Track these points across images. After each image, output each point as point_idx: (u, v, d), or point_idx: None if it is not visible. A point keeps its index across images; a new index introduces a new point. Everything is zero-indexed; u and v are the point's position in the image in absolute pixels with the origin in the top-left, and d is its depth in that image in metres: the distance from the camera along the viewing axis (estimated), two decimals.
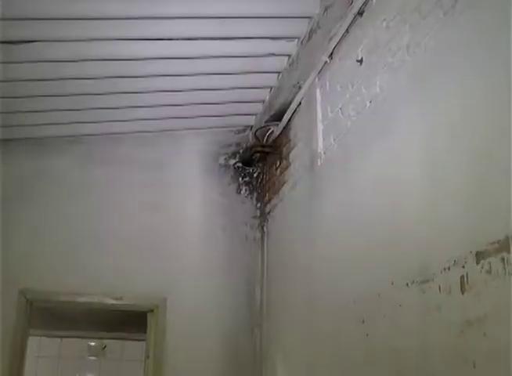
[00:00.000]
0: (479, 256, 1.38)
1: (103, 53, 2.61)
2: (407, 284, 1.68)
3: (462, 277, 1.42)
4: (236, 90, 3.18)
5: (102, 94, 3.00)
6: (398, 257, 1.76)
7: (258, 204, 3.56)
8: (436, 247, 1.56)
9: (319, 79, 2.69)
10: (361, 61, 2.20)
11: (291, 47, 2.77)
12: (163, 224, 3.32)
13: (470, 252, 1.41)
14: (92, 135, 3.43)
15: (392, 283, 1.77)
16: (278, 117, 3.22)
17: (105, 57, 2.66)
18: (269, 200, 3.40)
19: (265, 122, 3.33)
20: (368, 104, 2.11)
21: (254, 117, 3.57)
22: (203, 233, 3.41)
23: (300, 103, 2.95)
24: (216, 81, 3.03)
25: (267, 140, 3.42)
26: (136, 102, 3.14)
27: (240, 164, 3.63)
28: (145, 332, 3.25)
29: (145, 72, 2.85)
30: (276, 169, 3.32)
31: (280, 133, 3.27)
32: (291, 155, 3.06)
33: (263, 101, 3.36)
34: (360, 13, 2.22)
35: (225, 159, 3.62)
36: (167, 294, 3.22)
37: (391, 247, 1.81)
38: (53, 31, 2.40)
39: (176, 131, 3.57)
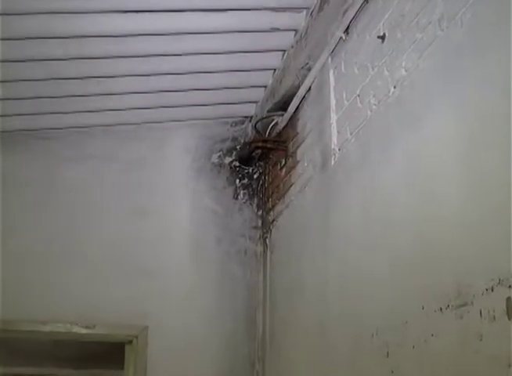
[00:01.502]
0: None
1: (69, 28, 2.61)
2: (441, 309, 1.67)
3: (508, 300, 1.41)
4: (231, 73, 3.20)
5: (69, 78, 3.01)
6: (429, 276, 1.76)
7: (260, 212, 3.58)
8: (477, 263, 1.55)
9: (332, 59, 2.70)
10: (383, 37, 2.20)
11: (298, 20, 2.78)
12: (144, 236, 3.34)
13: None
14: (58, 128, 3.45)
15: (423, 308, 1.76)
16: (283, 105, 3.23)
17: (72, 33, 2.66)
18: (273, 206, 3.40)
19: (268, 112, 3.34)
20: (392, 90, 2.11)
21: (254, 105, 3.59)
22: (192, 246, 3.42)
23: (309, 89, 2.95)
24: (208, 62, 3.04)
25: (270, 134, 3.43)
26: (112, 88, 3.15)
27: (238, 163, 3.65)
28: (122, 368, 3.25)
29: (121, 51, 2.85)
30: (281, 169, 3.32)
31: (286, 125, 3.27)
32: (299, 152, 3.06)
33: (265, 86, 3.37)
34: None
35: (220, 157, 3.64)
36: (149, 322, 3.22)
37: (420, 264, 1.80)
38: (8, 5, 2.41)
39: (160, 124, 3.59)
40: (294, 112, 3.15)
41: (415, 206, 1.87)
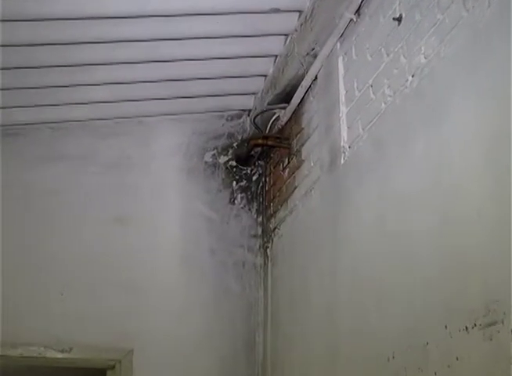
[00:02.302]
0: None
1: (39, 9, 2.58)
2: (466, 329, 1.67)
3: None
4: (227, 61, 3.19)
5: (38, 67, 3.00)
6: (453, 290, 1.75)
7: (259, 218, 3.58)
8: (508, 276, 1.54)
9: (341, 44, 2.70)
10: (399, 19, 2.20)
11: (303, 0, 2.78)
12: (128, 247, 3.34)
13: None
14: (30, 123, 3.44)
15: (446, 328, 1.75)
16: (285, 97, 3.23)
17: (42, 15, 2.64)
18: (274, 212, 3.40)
19: (268, 104, 3.34)
20: (410, 79, 2.11)
21: (253, 97, 3.59)
22: (183, 258, 3.42)
23: (315, 78, 2.95)
24: (200, 47, 3.04)
25: (270, 129, 3.43)
26: (90, 77, 3.14)
27: (234, 163, 3.65)
28: None
29: (100, 35, 2.84)
30: (284, 170, 3.32)
31: (289, 120, 3.27)
32: (304, 150, 3.06)
33: (265, 75, 3.38)
34: None
35: (214, 156, 3.64)
36: (134, 345, 3.22)
37: (443, 278, 1.80)
38: None
39: (146, 118, 3.60)
40: (298, 105, 3.15)
41: (437, 211, 1.86)
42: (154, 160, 3.55)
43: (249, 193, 3.62)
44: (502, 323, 1.54)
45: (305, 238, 2.93)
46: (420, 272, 1.91)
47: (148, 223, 3.41)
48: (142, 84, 3.27)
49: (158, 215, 3.45)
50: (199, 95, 3.48)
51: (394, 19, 2.21)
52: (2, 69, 2.93)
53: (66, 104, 3.35)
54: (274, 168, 3.50)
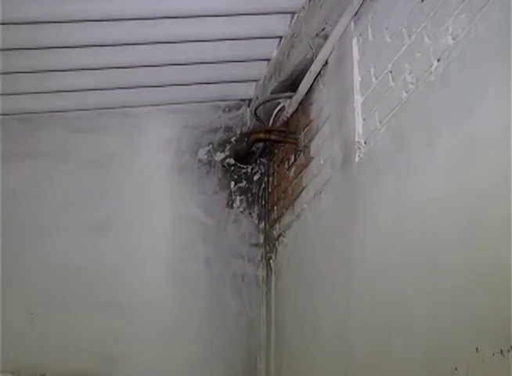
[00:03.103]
0: None
1: None
2: (501, 352, 1.66)
3: None
4: (224, 42, 3.19)
5: (4, 49, 2.97)
6: (485, 307, 1.74)
7: (261, 224, 3.58)
8: None
9: (356, 24, 2.70)
10: None
11: None
12: (110, 258, 3.35)
13: None
14: None
15: (477, 351, 1.75)
16: (291, 84, 3.23)
17: None
18: (279, 217, 3.40)
19: (271, 93, 3.34)
20: (435, 64, 2.11)
21: (254, 84, 3.59)
22: (173, 271, 3.42)
23: (326, 63, 2.96)
24: (193, 27, 3.04)
25: (274, 122, 3.43)
26: (65, 61, 3.15)
27: (232, 161, 3.65)
28: None
29: (77, 10, 2.83)
30: (290, 168, 3.32)
31: (295, 111, 3.27)
32: (313, 146, 3.06)
33: (267, 59, 3.38)
34: None
35: (209, 152, 3.65)
36: (115, 372, 3.21)
37: (473, 292, 1.79)
38: None
39: (131, 109, 3.60)
40: (306, 93, 3.15)
41: (465, 215, 1.86)
42: (140, 158, 3.55)
43: (249, 195, 3.62)
44: None
45: (314, 247, 2.92)
46: (446, 285, 1.91)
47: (132, 231, 3.41)
48: (126, 69, 3.27)
49: (144, 221, 3.45)
50: (192, 82, 3.48)
51: None
52: None
53: (37, 93, 3.35)
54: (278, 166, 3.50)
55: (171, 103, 3.62)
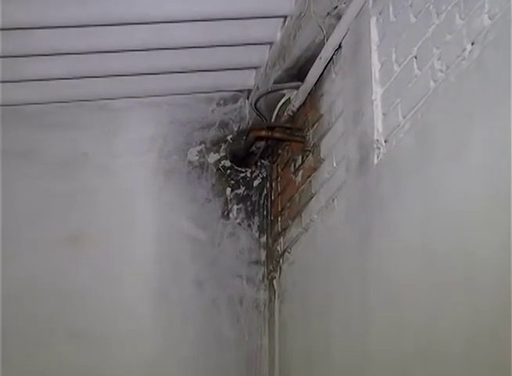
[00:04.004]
0: None
1: None
2: None
3: None
4: (219, 23, 3.19)
5: None
6: None
7: (263, 238, 3.58)
8: None
9: (374, 1, 2.69)
10: None
11: None
12: (82, 278, 3.34)
13: None
14: None
15: None
16: (298, 73, 3.23)
17: None
18: (284, 230, 3.39)
19: (275, 83, 3.34)
20: (468, 48, 2.10)
21: (254, 72, 3.59)
22: (159, 294, 3.43)
23: (339, 47, 2.95)
24: (184, 5, 3.04)
25: (278, 117, 3.42)
26: (29, 45, 3.14)
27: (228, 163, 3.66)
28: None
29: None
30: (296, 171, 3.32)
31: (303, 104, 3.27)
32: (324, 145, 3.05)
33: (270, 43, 3.37)
34: None
35: (201, 153, 3.65)
36: None
37: None
38: None
39: (108, 102, 3.60)
40: (316, 83, 3.14)
41: (505, 229, 1.85)
42: (119, 160, 3.56)
43: (248, 203, 3.62)
44: None
45: (326, 265, 2.92)
46: (482, 313, 1.89)
47: (110, 246, 3.42)
48: (101, 54, 3.27)
49: (124, 234, 3.46)
50: (180, 69, 3.49)
51: None
52: None
53: None
54: (282, 169, 3.49)
55: (154, 95, 3.63)
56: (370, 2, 2.70)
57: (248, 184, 3.65)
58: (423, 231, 2.22)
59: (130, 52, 3.30)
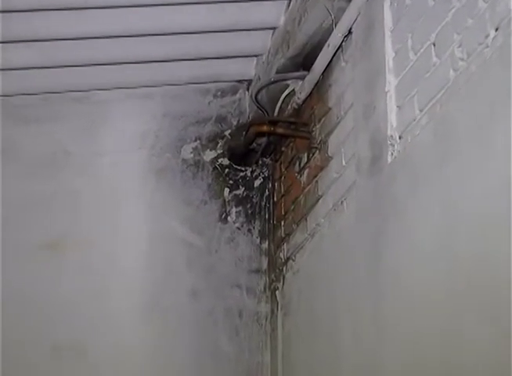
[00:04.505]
0: None
1: None
2: None
3: None
4: (216, 6, 3.19)
5: None
6: None
7: (264, 244, 3.59)
8: None
9: None
10: None
11: None
12: (67, 287, 3.34)
13: None
14: None
15: None
16: (303, 61, 3.23)
17: None
18: (287, 235, 3.39)
19: (277, 73, 3.34)
20: (492, 34, 2.09)
21: (255, 61, 3.59)
22: (150, 306, 3.42)
23: (349, 33, 2.95)
24: None
25: (281, 111, 3.42)
26: (9, 30, 3.12)
27: (227, 162, 3.66)
28: None
29: None
30: (301, 171, 3.32)
31: (309, 96, 3.27)
32: (332, 141, 3.05)
33: (272, 28, 3.37)
34: None
35: (196, 150, 3.65)
36: None
37: None
38: None
39: (94, 93, 3.60)
40: (323, 73, 3.14)
41: None
42: (105, 158, 3.56)
43: (249, 205, 3.62)
44: None
45: (333, 274, 2.91)
46: (506, 323, 1.88)
47: (96, 253, 3.42)
48: (84, 40, 3.26)
49: (111, 240, 3.46)
50: (173, 57, 3.49)
51: None
52: None
53: None
54: (286, 168, 3.49)
55: (145, 85, 3.64)
56: None
57: (248, 184, 3.65)
58: (442, 236, 2.22)
59: (118, 38, 3.31)
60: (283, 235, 3.44)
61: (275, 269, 3.47)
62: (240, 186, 3.64)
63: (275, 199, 3.60)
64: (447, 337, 2.14)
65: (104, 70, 3.50)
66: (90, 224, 3.46)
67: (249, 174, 3.66)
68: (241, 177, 3.65)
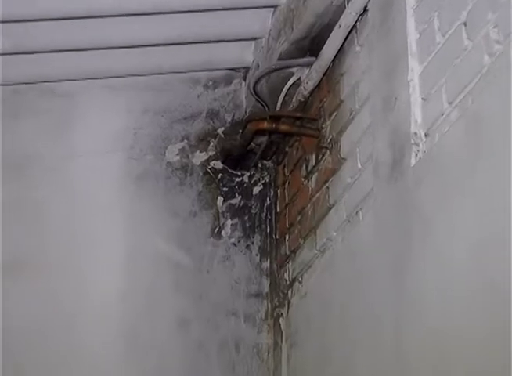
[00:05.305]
0: None
1: None
2: None
3: None
4: None
5: None
6: None
7: (266, 263, 3.60)
8: None
9: None
10: None
11: None
12: (29, 316, 3.34)
13: None
14: None
15: None
16: (310, 45, 3.24)
17: None
18: (293, 252, 3.40)
19: (280, 59, 3.34)
20: None
21: (253, 45, 3.61)
22: (131, 337, 3.43)
23: (364, 11, 2.96)
24: None
25: (284, 104, 3.42)
26: None
27: (220, 165, 3.66)
28: None
29: None
30: (309, 175, 3.33)
31: (317, 86, 3.28)
32: (345, 140, 3.06)
33: (273, 6, 3.39)
34: None
35: (183, 152, 3.66)
36: None
37: None
38: None
39: (63, 85, 3.62)
40: (334, 59, 3.15)
41: None
42: (75, 161, 3.57)
43: (246, 217, 3.63)
44: None
45: (348, 298, 2.92)
46: None
47: (64, 274, 3.42)
48: (48, 22, 3.27)
49: (82, 259, 3.46)
50: (157, 41, 3.50)
51: None
52: None
53: None
54: (291, 172, 3.50)
55: (122, 75, 3.64)
56: None
57: (246, 192, 3.66)
58: (478, 255, 2.21)
59: (91, 19, 3.31)
60: (287, 252, 3.45)
61: (278, 293, 3.48)
62: (236, 194, 3.65)
63: (277, 209, 3.61)
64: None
65: (75, 57, 3.51)
66: (57, 240, 3.46)
67: (246, 179, 3.67)
68: (237, 183, 3.66)
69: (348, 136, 3.03)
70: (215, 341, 3.47)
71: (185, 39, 3.51)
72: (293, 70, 3.35)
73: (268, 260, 3.59)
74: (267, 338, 3.50)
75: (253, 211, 3.64)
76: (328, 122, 3.20)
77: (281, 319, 3.43)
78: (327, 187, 3.15)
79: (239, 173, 3.66)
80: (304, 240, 3.30)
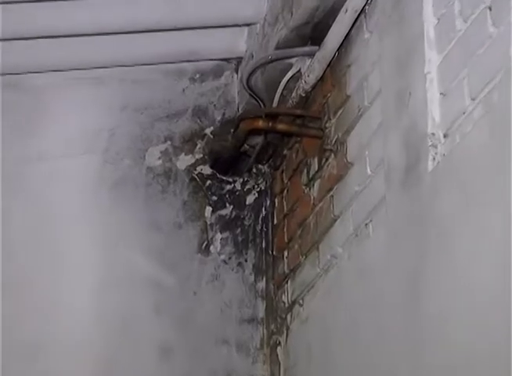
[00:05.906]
0: None
1: None
2: None
3: None
4: None
5: None
6: None
7: (261, 283, 3.61)
8: None
9: None
10: None
11: None
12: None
13: None
14: None
15: None
16: (312, 33, 3.26)
17: None
18: (292, 270, 3.41)
19: (277, 48, 3.36)
20: None
21: (246, 32, 3.62)
22: (103, 367, 3.45)
23: None
24: None
25: (283, 99, 3.44)
26: None
27: (209, 170, 3.68)
28: None
29: None
30: (311, 182, 3.34)
31: (321, 79, 3.29)
32: (352, 141, 3.07)
33: None
34: None
35: (166, 154, 3.68)
36: None
37: None
38: None
39: (29, 78, 3.65)
40: (340, 48, 3.16)
41: None
42: (41, 165, 3.58)
43: (239, 230, 3.65)
44: None
45: (356, 323, 2.93)
46: None
47: (28, 297, 3.44)
48: (16, 5, 3.30)
49: (48, 278, 3.47)
50: (137, 27, 3.52)
51: None
52: None
53: None
54: (290, 179, 3.51)
55: (97, 66, 3.66)
56: None
57: (238, 201, 3.68)
58: (504, 272, 2.21)
59: (60, 2, 3.33)
60: (286, 271, 3.46)
61: (275, 318, 3.49)
62: (227, 204, 3.66)
63: (274, 221, 3.63)
64: None
65: (41, 45, 3.52)
66: (19, 257, 3.47)
67: (239, 187, 3.68)
68: (228, 191, 3.67)
69: (356, 137, 3.04)
70: (203, 373, 3.48)
71: (169, 25, 3.52)
72: (293, 60, 3.36)
73: (264, 280, 3.60)
74: (262, 370, 3.51)
75: (246, 224, 3.66)
76: (333, 121, 3.21)
77: (278, 347, 3.45)
78: (332, 196, 3.16)
79: (230, 179, 3.68)
80: (306, 257, 3.31)
